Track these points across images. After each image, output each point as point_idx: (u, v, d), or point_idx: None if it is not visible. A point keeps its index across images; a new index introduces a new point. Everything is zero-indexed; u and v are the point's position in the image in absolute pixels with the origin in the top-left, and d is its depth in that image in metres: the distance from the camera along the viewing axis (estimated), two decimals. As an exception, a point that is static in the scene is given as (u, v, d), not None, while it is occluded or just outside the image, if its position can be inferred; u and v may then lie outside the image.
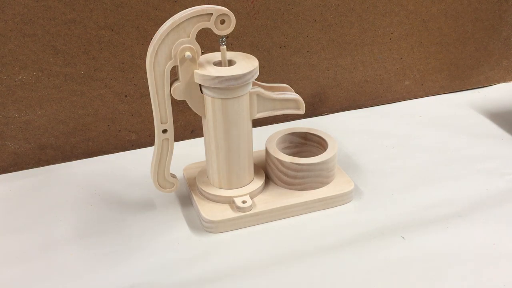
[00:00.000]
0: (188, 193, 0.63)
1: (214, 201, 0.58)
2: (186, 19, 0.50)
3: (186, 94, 0.54)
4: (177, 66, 0.52)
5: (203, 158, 0.61)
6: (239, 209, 0.56)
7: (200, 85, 0.54)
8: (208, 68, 0.53)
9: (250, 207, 0.57)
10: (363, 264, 0.52)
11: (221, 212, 0.57)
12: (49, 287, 0.50)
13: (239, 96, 0.54)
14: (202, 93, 0.54)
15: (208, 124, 0.56)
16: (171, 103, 0.53)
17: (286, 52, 0.75)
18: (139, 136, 0.73)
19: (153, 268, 0.52)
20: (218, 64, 0.54)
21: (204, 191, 0.59)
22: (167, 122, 0.54)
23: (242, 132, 0.56)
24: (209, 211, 0.57)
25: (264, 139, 0.63)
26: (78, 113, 0.68)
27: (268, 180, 0.62)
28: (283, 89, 0.58)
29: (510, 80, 0.91)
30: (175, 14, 0.51)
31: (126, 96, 0.70)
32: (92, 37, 0.64)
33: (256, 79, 0.55)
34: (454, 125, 0.77)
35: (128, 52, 0.67)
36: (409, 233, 0.55)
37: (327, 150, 0.61)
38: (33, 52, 0.63)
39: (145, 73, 0.52)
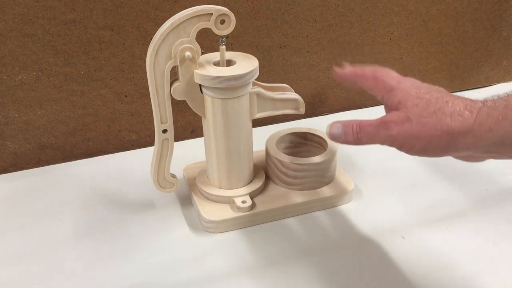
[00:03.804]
0: (188, 193, 0.63)
1: (214, 201, 0.58)
2: (186, 19, 0.50)
3: (186, 94, 0.54)
4: (177, 66, 0.52)
5: (203, 158, 0.61)
6: (239, 209, 0.56)
7: (200, 85, 0.54)
8: (208, 68, 0.53)
9: (250, 207, 0.57)
10: (363, 264, 0.52)
11: (221, 212, 0.57)
12: (49, 287, 0.50)
13: (239, 96, 0.54)
14: (202, 93, 0.54)
15: (208, 124, 0.56)
16: (171, 103, 0.53)
17: (286, 52, 0.75)
18: (139, 136, 0.73)
19: (153, 268, 0.52)
20: (218, 64, 0.54)
21: (204, 191, 0.59)
22: (167, 122, 0.54)
23: (242, 132, 0.56)
24: (209, 211, 0.57)
25: (264, 139, 0.63)
26: (78, 113, 0.68)
27: (268, 180, 0.62)
28: (283, 89, 0.58)
29: (510, 80, 0.91)
30: (175, 14, 0.51)
31: (126, 96, 0.70)
32: (92, 37, 0.64)
33: (256, 79, 0.55)
34: (454, 125, 0.77)
35: (128, 52, 0.67)
36: (409, 233, 0.55)
37: (327, 150, 0.61)
38: (33, 52, 0.63)
39: (145, 73, 0.52)
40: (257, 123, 0.73)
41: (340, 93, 0.81)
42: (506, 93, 0.40)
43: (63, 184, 0.65)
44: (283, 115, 0.59)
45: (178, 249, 0.54)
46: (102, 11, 0.63)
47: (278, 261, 0.52)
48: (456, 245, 0.54)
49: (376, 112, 0.82)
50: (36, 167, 0.69)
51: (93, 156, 0.72)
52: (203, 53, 0.57)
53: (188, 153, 0.68)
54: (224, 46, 0.53)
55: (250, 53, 0.57)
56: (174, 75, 0.53)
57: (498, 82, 0.91)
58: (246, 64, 0.54)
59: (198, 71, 0.52)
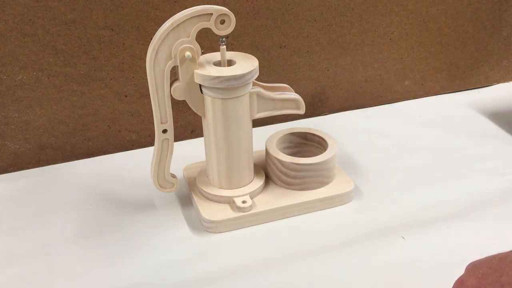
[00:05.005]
0: (188, 193, 0.63)
1: (214, 201, 0.58)
2: (186, 19, 0.50)
3: (186, 94, 0.54)
4: (177, 66, 0.52)
5: (203, 158, 0.61)
6: (239, 209, 0.56)
7: (200, 85, 0.54)
8: (208, 68, 0.53)
9: (250, 207, 0.57)
10: (363, 264, 0.52)
11: (221, 212, 0.57)
12: (49, 287, 0.50)
13: (239, 96, 0.54)
14: (202, 93, 0.54)
15: (208, 124, 0.56)
16: (171, 103, 0.53)
17: (286, 52, 0.75)
18: (139, 136, 0.73)
19: (153, 268, 0.52)
20: (218, 64, 0.54)
21: (204, 191, 0.59)
22: (167, 122, 0.54)
23: (242, 132, 0.56)
24: (209, 211, 0.57)
25: (264, 139, 0.63)
26: (78, 113, 0.68)
27: (268, 180, 0.62)
28: (283, 89, 0.58)
29: (510, 80, 0.91)
30: (175, 14, 0.51)
31: (126, 96, 0.70)
32: (92, 37, 0.64)
33: (256, 79, 0.55)
34: (454, 125, 0.77)
35: (128, 52, 0.67)
36: (409, 233, 0.55)
37: (327, 150, 0.61)
38: (33, 52, 0.63)
39: (145, 73, 0.52)
40: (257, 123, 0.73)
41: (340, 93, 0.81)
42: None
43: (63, 184, 0.65)
44: (283, 115, 0.59)
45: (178, 249, 0.54)
46: (102, 11, 0.63)
47: (278, 261, 0.52)
48: (456, 245, 0.54)
49: (376, 112, 0.83)
50: (36, 167, 0.69)
51: (93, 156, 0.72)
52: (203, 53, 0.57)
53: (188, 153, 0.68)
54: (224, 46, 0.53)
55: (250, 53, 0.57)
56: (174, 75, 0.53)
57: (498, 82, 0.91)
58: (246, 64, 0.54)
59: (198, 71, 0.52)
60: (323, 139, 0.63)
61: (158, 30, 0.50)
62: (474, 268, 0.40)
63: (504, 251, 0.41)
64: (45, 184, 0.65)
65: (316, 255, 0.53)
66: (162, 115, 0.54)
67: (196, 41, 0.51)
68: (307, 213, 0.59)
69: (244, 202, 0.57)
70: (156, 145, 0.55)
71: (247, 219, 0.57)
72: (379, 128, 0.77)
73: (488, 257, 0.41)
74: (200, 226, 0.57)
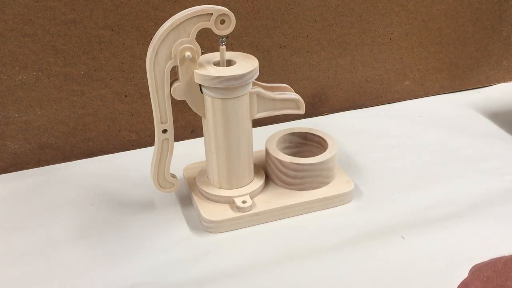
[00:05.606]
0: (188, 193, 0.63)
1: (214, 201, 0.58)
2: (186, 19, 0.50)
3: (186, 94, 0.54)
4: (177, 66, 0.52)
5: (203, 158, 0.61)
6: (239, 209, 0.56)
7: (200, 85, 0.54)
8: (208, 68, 0.53)
9: (250, 207, 0.57)
10: (363, 264, 0.52)
11: (221, 212, 0.57)
12: (49, 287, 0.50)
13: (239, 96, 0.54)
14: (202, 93, 0.54)
15: (208, 124, 0.56)
16: (171, 103, 0.53)
17: (286, 52, 0.75)
18: (139, 136, 0.73)
19: (153, 268, 0.52)
20: (218, 64, 0.54)
21: (204, 191, 0.59)
22: (167, 122, 0.54)
23: (242, 132, 0.56)
24: (209, 211, 0.57)
25: (264, 139, 0.63)
26: (78, 113, 0.69)
27: (268, 180, 0.62)
28: (283, 89, 0.58)
29: (510, 80, 0.91)
30: (175, 14, 0.51)
31: (126, 96, 0.70)
32: (92, 37, 0.64)
33: (256, 79, 0.55)
34: (454, 125, 0.78)
35: (128, 52, 0.67)
36: (409, 233, 0.55)
37: (327, 150, 0.61)
38: (33, 52, 0.63)
39: (145, 73, 0.52)
40: (257, 123, 0.73)
41: (340, 93, 0.81)
42: None
43: (63, 184, 0.65)
44: (283, 115, 0.59)
45: (178, 249, 0.54)
46: (102, 11, 0.63)
47: (278, 261, 0.52)
48: (456, 245, 0.54)
49: (376, 112, 0.83)
50: (36, 167, 0.69)
51: (93, 156, 0.72)
52: (203, 53, 0.57)
53: (188, 153, 0.68)
54: (224, 46, 0.53)
55: (250, 53, 0.57)
56: (174, 75, 0.53)
57: (498, 82, 0.91)
58: (246, 64, 0.54)
59: (198, 71, 0.52)
60: (323, 139, 0.63)
61: (158, 30, 0.50)
62: (478, 271, 0.40)
63: (509, 254, 0.41)
64: (45, 184, 0.65)
65: (316, 255, 0.53)
66: (162, 115, 0.54)
67: (196, 41, 0.51)
68: (307, 213, 0.59)
69: (244, 202, 0.57)
70: (156, 145, 0.55)
71: (247, 219, 0.57)
72: (379, 128, 0.77)
73: (492, 259, 0.41)
74: (200, 226, 0.57)
